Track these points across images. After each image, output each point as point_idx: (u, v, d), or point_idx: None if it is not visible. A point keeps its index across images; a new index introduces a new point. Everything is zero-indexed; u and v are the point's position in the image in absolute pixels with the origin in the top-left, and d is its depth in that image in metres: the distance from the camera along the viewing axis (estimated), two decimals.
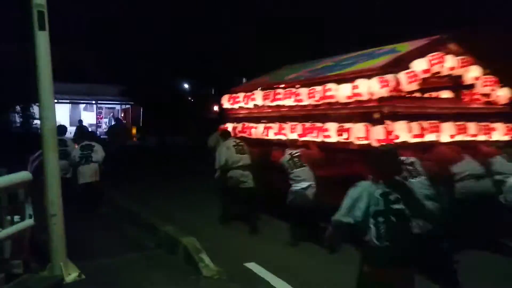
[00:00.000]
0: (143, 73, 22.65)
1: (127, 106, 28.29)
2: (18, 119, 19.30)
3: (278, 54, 14.64)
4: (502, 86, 6.23)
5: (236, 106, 7.88)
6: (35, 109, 18.90)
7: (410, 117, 5.13)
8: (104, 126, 26.50)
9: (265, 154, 6.45)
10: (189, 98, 27.17)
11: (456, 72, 5.84)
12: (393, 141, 4.85)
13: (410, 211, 2.74)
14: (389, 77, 5.01)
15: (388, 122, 4.94)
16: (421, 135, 5.16)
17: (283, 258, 5.05)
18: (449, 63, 5.55)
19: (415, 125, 5.08)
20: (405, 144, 4.92)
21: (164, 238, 5.32)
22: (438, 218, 3.81)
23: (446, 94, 6.93)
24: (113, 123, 22.40)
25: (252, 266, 4.72)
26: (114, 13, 23.72)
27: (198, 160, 10.97)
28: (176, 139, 21.59)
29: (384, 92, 4.97)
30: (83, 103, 26.55)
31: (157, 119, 23.29)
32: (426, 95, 7.04)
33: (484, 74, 6.07)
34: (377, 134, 4.83)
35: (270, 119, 6.98)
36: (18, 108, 18.90)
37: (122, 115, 28.94)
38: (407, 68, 5.22)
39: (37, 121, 18.80)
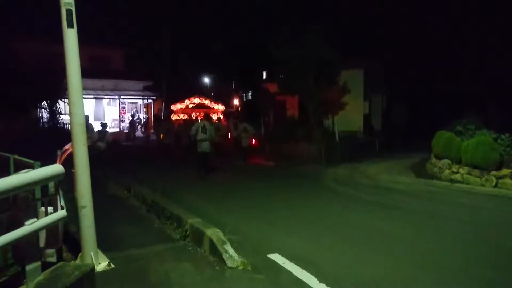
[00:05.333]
0: (167, 69, 23.02)
1: (149, 100, 28.70)
2: (45, 114, 19.79)
3: None
4: (217, 104, 25.70)
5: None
6: (61, 105, 19.39)
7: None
8: (127, 121, 26.84)
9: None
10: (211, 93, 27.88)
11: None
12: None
13: None
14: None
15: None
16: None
17: (305, 250, 5.09)
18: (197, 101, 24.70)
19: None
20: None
21: (189, 230, 5.43)
22: None
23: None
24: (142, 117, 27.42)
25: (276, 257, 4.77)
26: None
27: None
28: None
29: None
30: (107, 98, 26.93)
31: None
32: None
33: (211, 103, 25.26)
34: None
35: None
36: (45, 104, 19.38)
37: (145, 109, 29.36)
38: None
39: (63, 117, 19.29)
